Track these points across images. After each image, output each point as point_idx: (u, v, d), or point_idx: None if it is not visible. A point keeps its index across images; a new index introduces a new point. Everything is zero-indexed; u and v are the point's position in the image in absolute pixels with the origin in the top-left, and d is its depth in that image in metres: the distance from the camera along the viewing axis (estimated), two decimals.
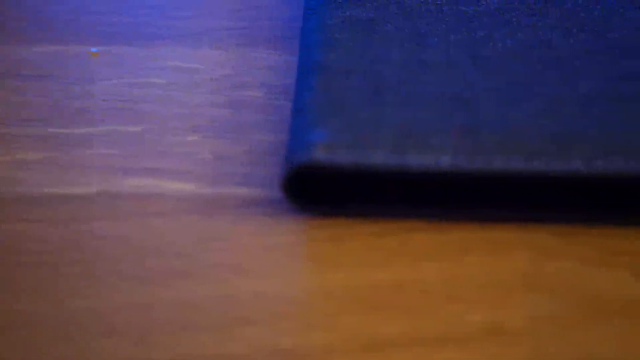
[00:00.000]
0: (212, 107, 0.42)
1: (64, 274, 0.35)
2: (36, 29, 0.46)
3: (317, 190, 0.37)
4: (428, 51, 0.40)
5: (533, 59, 0.40)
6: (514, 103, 0.38)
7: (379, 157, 0.36)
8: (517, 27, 0.41)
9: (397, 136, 0.36)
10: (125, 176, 0.39)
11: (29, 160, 0.40)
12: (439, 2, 0.43)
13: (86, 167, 0.39)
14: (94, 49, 0.45)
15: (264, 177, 0.39)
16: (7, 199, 0.38)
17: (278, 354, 0.33)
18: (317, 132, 0.36)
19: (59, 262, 0.36)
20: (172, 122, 0.41)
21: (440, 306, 0.34)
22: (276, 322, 0.34)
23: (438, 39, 0.41)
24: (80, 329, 0.34)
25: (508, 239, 0.36)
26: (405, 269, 0.35)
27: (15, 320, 0.34)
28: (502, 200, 0.36)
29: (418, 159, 0.36)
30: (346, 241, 0.36)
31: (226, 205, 0.38)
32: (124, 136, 0.41)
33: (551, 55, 0.40)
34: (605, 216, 0.36)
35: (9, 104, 0.42)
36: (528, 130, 0.36)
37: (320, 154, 0.35)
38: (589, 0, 0.42)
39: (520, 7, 0.42)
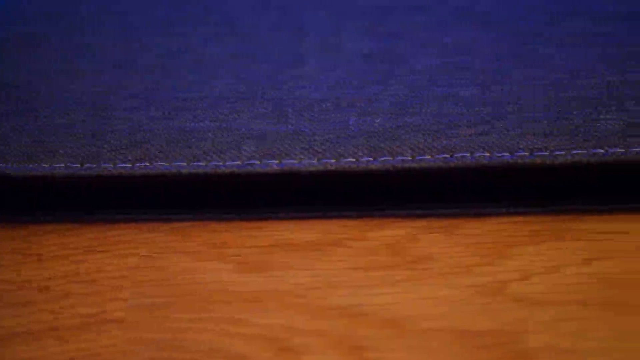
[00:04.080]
0: None
1: None
2: None
3: None
4: (84, 62, 0.44)
5: (177, 65, 0.43)
6: (143, 108, 0.41)
7: (11, 166, 0.39)
8: (172, 35, 0.45)
9: (31, 145, 0.39)
10: None
11: None
12: (102, 17, 0.46)
13: None
14: None
15: None
16: None
17: None
18: None
19: None
20: None
21: (56, 301, 0.37)
22: None
23: (97, 51, 0.44)
24: None
25: (128, 237, 0.39)
26: (32, 270, 0.39)
27: None
28: (121, 201, 0.40)
29: (46, 167, 0.39)
30: None
31: None
32: None
33: (193, 61, 0.43)
34: (216, 212, 0.40)
35: None
36: (153, 132, 0.40)
37: None
38: (244, 13, 0.46)
39: (182, 18, 0.46)
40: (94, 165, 0.39)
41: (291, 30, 0.45)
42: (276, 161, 0.38)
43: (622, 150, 0.37)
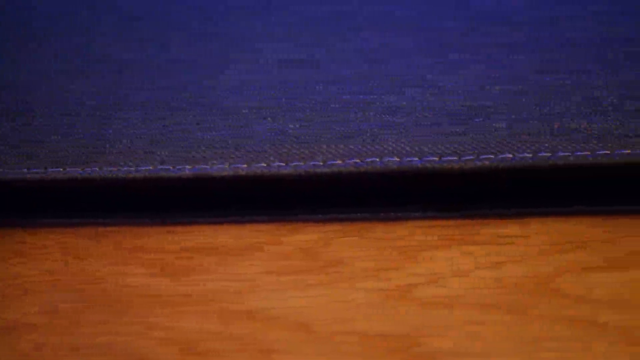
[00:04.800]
0: None
1: None
2: None
3: None
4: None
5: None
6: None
7: None
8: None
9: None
10: None
11: None
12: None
13: None
14: None
15: None
16: None
17: None
18: None
19: None
20: None
21: None
22: None
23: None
24: None
25: (46, 242, 0.40)
26: None
27: None
28: (38, 206, 0.40)
29: None
30: None
31: None
32: None
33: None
34: (133, 216, 0.40)
35: None
36: (72, 137, 0.40)
37: None
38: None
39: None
40: (3, 170, 0.39)
41: (215, 38, 0.45)
42: (189, 166, 0.39)
43: (530, 155, 0.38)
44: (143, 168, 0.39)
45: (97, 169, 0.39)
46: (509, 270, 0.37)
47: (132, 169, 0.39)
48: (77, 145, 0.40)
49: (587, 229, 0.38)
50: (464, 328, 0.36)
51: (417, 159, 0.38)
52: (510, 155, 0.38)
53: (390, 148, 0.39)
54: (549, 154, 0.38)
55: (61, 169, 0.39)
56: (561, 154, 0.38)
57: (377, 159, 0.38)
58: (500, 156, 0.38)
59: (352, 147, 0.39)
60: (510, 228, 0.39)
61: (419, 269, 0.38)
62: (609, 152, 0.38)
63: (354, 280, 0.38)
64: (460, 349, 0.36)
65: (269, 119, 0.40)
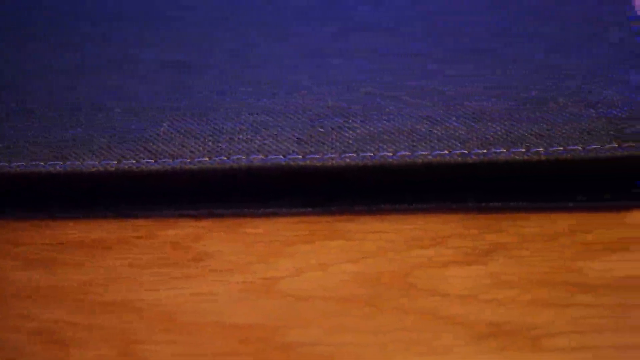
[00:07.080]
0: None
1: None
2: None
3: None
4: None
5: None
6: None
7: None
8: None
9: None
10: None
11: None
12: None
13: None
14: None
15: None
16: None
17: None
18: None
19: None
20: None
21: None
22: None
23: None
24: None
25: None
26: None
27: None
28: None
29: None
30: None
31: None
32: None
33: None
34: (9, 211, 0.41)
35: None
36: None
37: None
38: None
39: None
40: None
41: (94, 41, 0.47)
42: (60, 162, 0.40)
43: (390, 154, 0.39)
44: (16, 164, 0.40)
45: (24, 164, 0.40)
46: (369, 265, 0.39)
47: (5, 164, 0.40)
48: None
49: (445, 225, 0.40)
50: (324, 320, 0.37)
51: (281, 156, 0.40)
52: (371, 154, 0.39)
53: (256, 146, 0.40)
54: (408, 153, 0.39)
55: None
56: (420, 152, 0.39)
57: (243, 157, 0.40)
58: (362, 155, 0.39)
59: (220, 145, 0.40)
60: (372, 224, 0.40)
61: (283, 263, 0.39)
62: (466, 151, 0.39)
63: (220, 274, 0.39)
64: (319, 340, 0.37)
65: (141, 117, 0.42)
